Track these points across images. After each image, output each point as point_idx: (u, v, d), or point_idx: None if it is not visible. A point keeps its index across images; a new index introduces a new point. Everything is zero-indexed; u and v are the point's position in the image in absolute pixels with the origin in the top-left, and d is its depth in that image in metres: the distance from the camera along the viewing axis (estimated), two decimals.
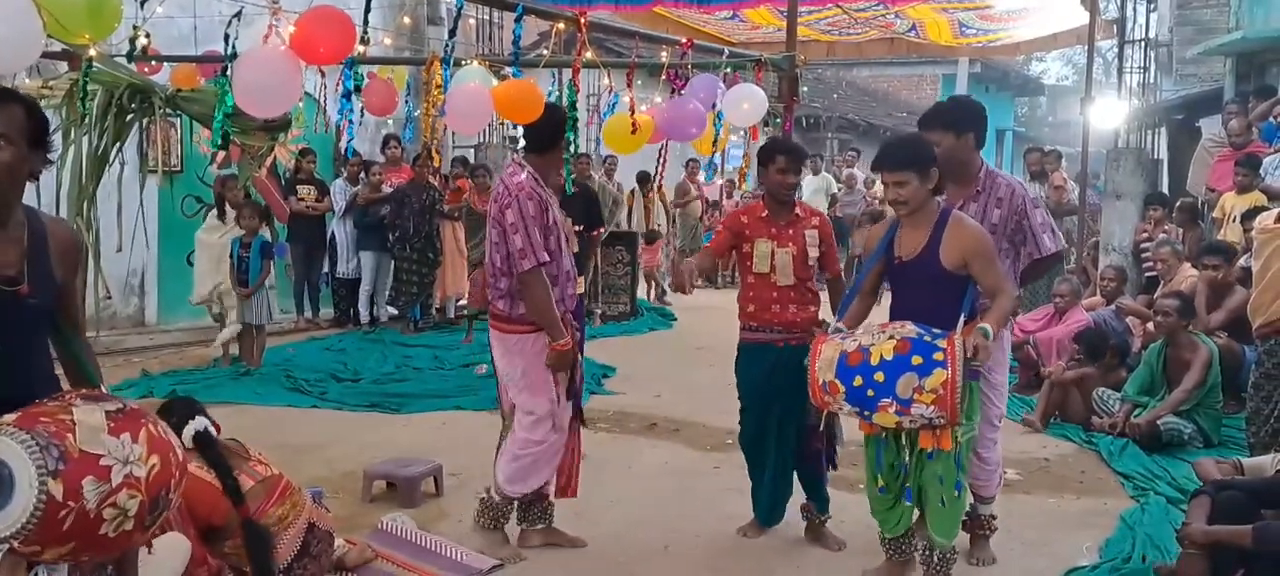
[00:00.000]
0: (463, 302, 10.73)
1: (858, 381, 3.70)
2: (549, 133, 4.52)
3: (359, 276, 10.65)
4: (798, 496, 4.81)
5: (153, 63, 7.14)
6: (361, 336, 10.05)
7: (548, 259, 4.26)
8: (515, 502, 4.56)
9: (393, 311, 10.68)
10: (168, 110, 5.58)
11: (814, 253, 4.68)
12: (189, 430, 3.34)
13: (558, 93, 7.71)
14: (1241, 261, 7.12)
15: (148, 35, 5.84)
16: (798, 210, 4.76)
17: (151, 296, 10.21)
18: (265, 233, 8.47)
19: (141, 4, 5.91)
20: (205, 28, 8.00)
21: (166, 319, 10.25)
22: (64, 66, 6.04)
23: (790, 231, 4.67)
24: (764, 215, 4.72)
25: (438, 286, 10.62)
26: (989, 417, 4.38)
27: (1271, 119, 6.70)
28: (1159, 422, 6.40)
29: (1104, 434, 6.66)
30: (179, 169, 10.08)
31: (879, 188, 11.77)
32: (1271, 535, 3.34)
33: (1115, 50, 15.15)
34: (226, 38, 4.84)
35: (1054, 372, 7.30)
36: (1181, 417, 6.45)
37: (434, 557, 4.46)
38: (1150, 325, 7.41)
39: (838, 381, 3.74)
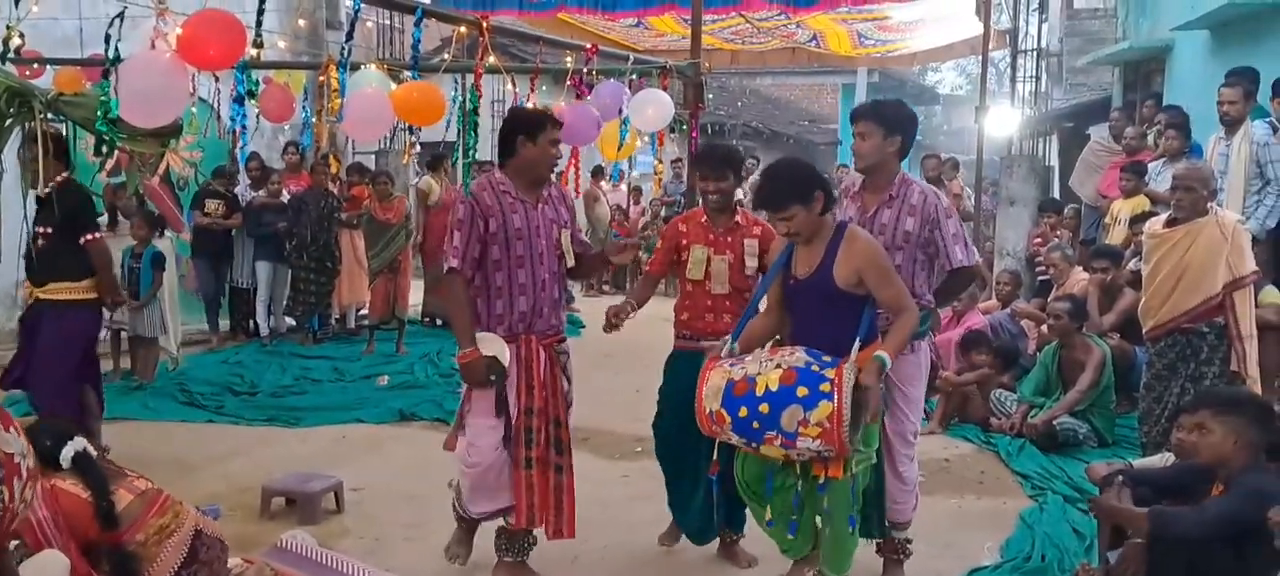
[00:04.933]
0: (364, 313, 10.48)
1: (743, 412, 3.55)
2: (504, 142, 4.27)
3: (255, 286, 10.25)
4: None
5: (33, 66, 6.86)
6: (258, 348, 9.76)
7: (457, 263, 4.13)
8: (478, 522, 4.41)
9: (292, 322, 10.34)
10: (49, 115, 5.34)
11: (752, 262, 4.52)
12: (68, 450, 3.24)
13: (461, 97, 7.62)
14: (1130, 265, 7.34)
15: (21, 36, 5.59)
16: (738, 218, 4.62)
17: None
18: (157, 243, 8.16)
19: (16, 3, 5.66)
20: (91, 29, 7.69)
21: None
22: None
23: (729, 238, 4.56)
24: (703, 221, 4.61)
25: (336, 296, 10.32)
26: (903, 434, 4.24)
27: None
28: (1055, 423, 6.56)
29: (1002, 434, 6.80)
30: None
31: None
32: (1166, 520, 3.46)
33: (1008, 60, 15.61)
34: (107, 39, 4.64)
35: (941, 382, 7.41)
36: (1076, 418, 6.62)
37: (336, 575, 4.33)
38: (1044, 328, 7.60)
39: (724, 411, 3.60)
